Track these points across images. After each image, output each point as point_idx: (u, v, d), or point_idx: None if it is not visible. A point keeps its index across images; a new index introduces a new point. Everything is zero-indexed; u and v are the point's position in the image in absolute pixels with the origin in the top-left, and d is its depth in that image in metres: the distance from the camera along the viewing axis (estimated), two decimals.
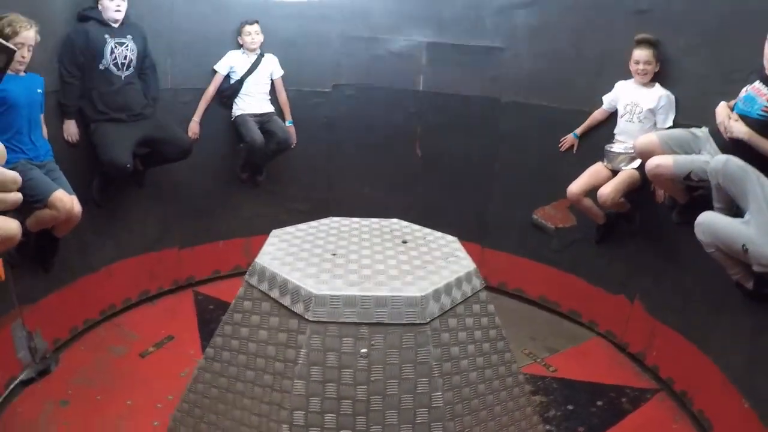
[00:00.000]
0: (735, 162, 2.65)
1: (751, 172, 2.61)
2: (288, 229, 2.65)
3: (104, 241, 3.94)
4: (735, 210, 2.78)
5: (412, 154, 4.79)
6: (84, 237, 3.63)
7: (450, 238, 2.62)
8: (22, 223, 2.99)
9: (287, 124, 4.54)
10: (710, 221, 2.78)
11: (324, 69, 4.68)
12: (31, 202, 2.97)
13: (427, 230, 2.71)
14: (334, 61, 4.67)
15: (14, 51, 0.90)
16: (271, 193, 4.75)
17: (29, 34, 2.96)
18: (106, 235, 3.94)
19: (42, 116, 3.26)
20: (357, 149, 4.84)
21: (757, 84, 2.81)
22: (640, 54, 3.57)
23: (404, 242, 2.54)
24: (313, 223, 2.74)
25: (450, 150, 4.67)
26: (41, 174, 3.08)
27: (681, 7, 3.51)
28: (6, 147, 3.04)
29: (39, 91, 3.17)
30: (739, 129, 2.77)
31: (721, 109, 2.94)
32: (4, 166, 0.91)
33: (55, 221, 3.12)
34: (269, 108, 4.47)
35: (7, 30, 2.87)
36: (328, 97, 4.73)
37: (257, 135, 4.21)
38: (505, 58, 4.40)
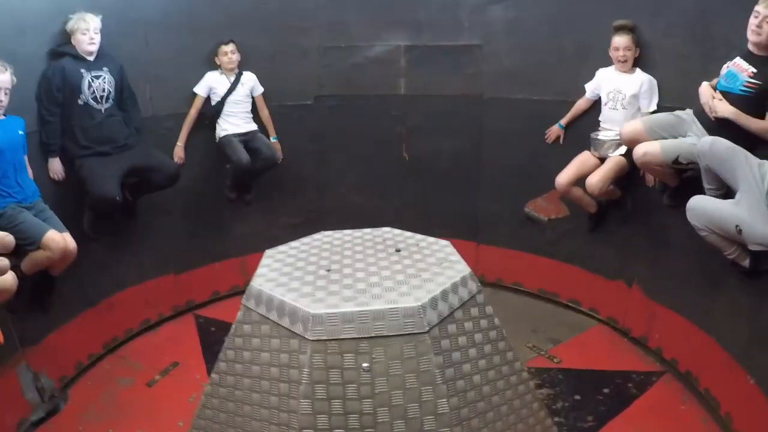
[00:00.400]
0: (721, 143, 2.65)
1: (739, 152, 2.61)
2: (281, 248, 2.65)
3: (100, 274, 3.93)
4: (726, 190, 2.78)
5: (400, 158, 4.80)
6: (80, 272, 3.61)
7: (443, 242, 2.62)
8: (18, 266, 2.99)
9: (272, 140, 4.53)
10: (701, 206, 2.78)
11: (305, 82, 4.66)
12: (24, 245, 2.96)
13: (420, 236, 2.71)
14: (314, 73, 4.66)
15: None
16: (262, 210, 4.74)
17: (5, 77, 2.95)
18: (101, 267, 3.92)
19: (26, 157, 3.24)
20: (344, 158, 4.84)
21: (738, 60, 2.82)
22: (619, 40, 3.58)
23: (397, 251, 2.54)
24: (306, 240, 2.74)
25: (437, 150, 4.68)
26: (31, 216, 3.07)
27: None
28: None
29: (20, 132, 3.15)
30: (724, 108, 2.78)
31: (705, 89, 2.95)
32: None
33: (51, 261, 3.11)
34: (252, 126, 4.46)
35: None
36: (312, 110, 4.71)
37: (243, 155, 4.20)
38: (485, 55, 4.41)
